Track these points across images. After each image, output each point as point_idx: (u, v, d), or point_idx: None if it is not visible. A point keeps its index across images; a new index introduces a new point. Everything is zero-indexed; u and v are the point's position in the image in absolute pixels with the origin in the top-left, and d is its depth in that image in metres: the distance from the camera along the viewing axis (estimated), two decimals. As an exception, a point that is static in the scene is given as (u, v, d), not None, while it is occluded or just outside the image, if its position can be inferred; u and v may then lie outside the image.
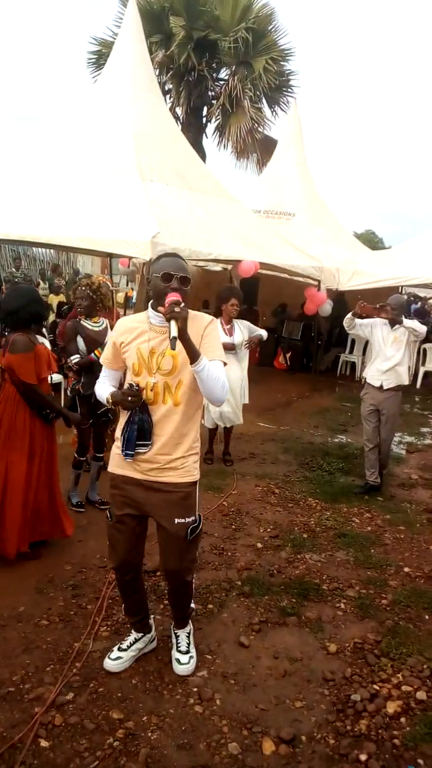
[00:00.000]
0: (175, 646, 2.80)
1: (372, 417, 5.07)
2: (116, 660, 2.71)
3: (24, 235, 6.92)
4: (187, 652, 2.77)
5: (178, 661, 2.74)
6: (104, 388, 2.59)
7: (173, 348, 2.23)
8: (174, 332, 2.21)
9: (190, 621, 2.88)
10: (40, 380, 3.45)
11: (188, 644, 2.80)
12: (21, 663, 2.71)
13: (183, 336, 2.24)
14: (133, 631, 2.82)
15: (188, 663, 2.73)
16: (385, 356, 4.94)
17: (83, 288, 4.28)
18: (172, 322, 2.21)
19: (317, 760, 2.29)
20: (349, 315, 5.04)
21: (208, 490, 4.82)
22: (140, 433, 2.45)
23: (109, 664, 2.70)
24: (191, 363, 2.33)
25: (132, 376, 2.48)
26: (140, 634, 2.81)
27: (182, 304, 2.25)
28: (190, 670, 2.72)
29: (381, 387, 4.97)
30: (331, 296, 9.59)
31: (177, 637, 2.82)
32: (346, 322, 5.13)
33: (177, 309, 2.21)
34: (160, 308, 2.31)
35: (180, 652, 2.77)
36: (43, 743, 2.27)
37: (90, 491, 4.56)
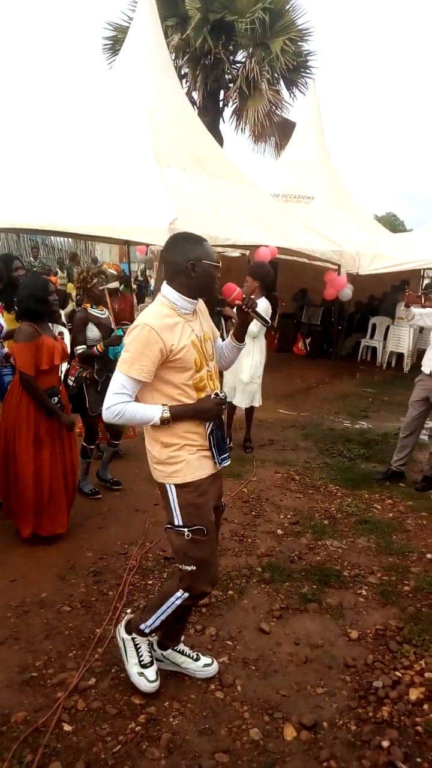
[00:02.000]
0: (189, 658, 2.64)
1: (419, 405, 4.98)
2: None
3: (42, 224, 6.94)
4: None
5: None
6: (152, 408, 2.20)
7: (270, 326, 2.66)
8: (266, 317, 2.51)
9: None
10: (39, 371, 3.44)
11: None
12: (44, 649, 2.74)
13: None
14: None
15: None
16: None
17: (104, 277, 4.35)
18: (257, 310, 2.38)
19: (339, 747, 2.28)
20: (403, 307, 5.01)
21: (228, 477, 4.81)
22: (223, 434, 2.38)
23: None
24: (241, 340, 2.47)
25: (192, 374, 2.23)
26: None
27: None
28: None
29: None
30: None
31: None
32: (403, 314, 5.08)
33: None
34: (237, 301, 2.36)
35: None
36: (66, 727, 2.30)
37: (102, 470, 4.59)
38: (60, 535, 3.72)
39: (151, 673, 2.48)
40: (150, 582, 3.32)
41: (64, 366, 4.34)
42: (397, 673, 2.69)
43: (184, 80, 14.37)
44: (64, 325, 7.20)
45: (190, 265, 2.20)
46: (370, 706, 2.50)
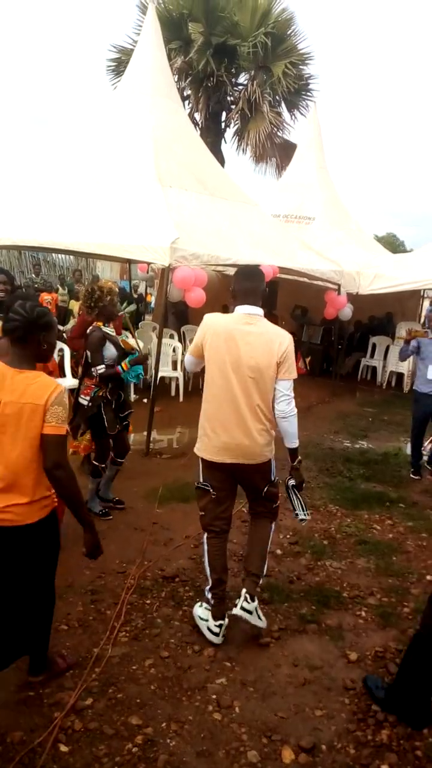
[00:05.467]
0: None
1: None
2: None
3: (43, 241, 6.99)
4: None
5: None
6: None
7: None
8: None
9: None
10: None
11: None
12: (41, 667, 2.72)
13: None
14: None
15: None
16: None
17: (108, 297, 4.26)
18: None
19: (337, 771, 2.26)
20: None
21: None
22: None
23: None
24: None
25: None
26: None
27: None
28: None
29: None
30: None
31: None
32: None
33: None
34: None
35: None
36: (63, 748, 2.27)
37: (104, 490, 4.53)
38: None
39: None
40: (148, 602, 3.30)
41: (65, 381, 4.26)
42: (397, 696, 2.67)
43: (186, 101, 14.57)
44: (64, 341, 7.24)
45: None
46: (369, 729, 2.48)
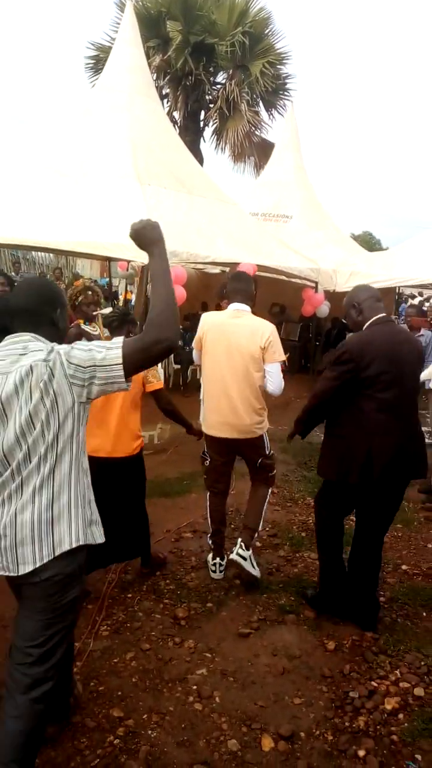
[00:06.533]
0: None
1: None
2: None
3: (22, 239, 6.93)
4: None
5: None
6: None
7: None
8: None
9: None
10: None
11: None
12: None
13: None
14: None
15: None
16: None
17: (90, 293, 4.36)
18: None
19: (316, 756, 2.31)
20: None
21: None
22: None
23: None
24: None
25: None
26: None
27: None
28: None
29: None
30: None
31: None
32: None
33: None
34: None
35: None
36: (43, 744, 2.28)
37: None
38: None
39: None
40: (129, 596, 3.33)
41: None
42: (373, 683, 2.73)
43: (165, 100, 14.58)
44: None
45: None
46: (346, 716, 2.53)
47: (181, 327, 4.63)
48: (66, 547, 1.81)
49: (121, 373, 1.75)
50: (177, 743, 2.33)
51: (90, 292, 4.41)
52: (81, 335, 4.25)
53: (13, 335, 1.89)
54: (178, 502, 4.75)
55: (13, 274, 14.53)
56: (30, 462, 1.79)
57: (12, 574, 1.81)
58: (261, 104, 14.97)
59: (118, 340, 1.79)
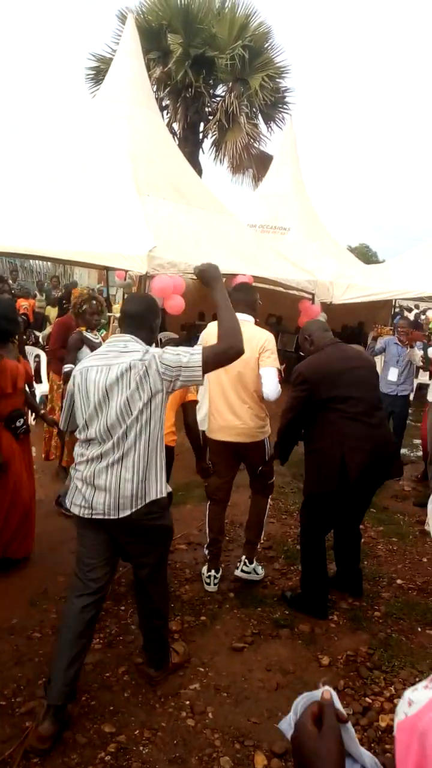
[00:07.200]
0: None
1: None
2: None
3: (21, 248, 6.94)
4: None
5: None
6: None
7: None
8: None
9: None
10: (2, 395, 3.42)
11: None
12: (13, 676, 2.70)
13: None
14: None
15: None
16: None
17: (95, 303, 4.43)
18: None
19: (309, 774, 2.28)
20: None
21: (202, 501, 4.81)
22: None
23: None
24: None
25: None
26: None
27: None
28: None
29: None
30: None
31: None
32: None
33: None
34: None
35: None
36: (34, 758, 2.25)
37: (64, 496, 4.53)
38: (30, 559, 3.68)
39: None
40: (122, 607, 3.30)
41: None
42: (368, 699, 2.71)
43: (165, 112, 14.66)
44: (42, 348, 7.20)
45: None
46: (340, 733, 2.50)
47: (176, 336, 4.68)
48: (153, 497, 2.39)
49: (200, 373, 2.29)
50: (169, 760, 2.30)
51: (95, 302, 4.46)
52: (82, 341, 4.30)
53: (116, 335, 2.48)
54: (172, 514, 4.70)
55: (10, 281, 14.54)
56: (128, 438, 2.32)
57: (112, 517, 2.35)
58: (260, 117, 15.07)
59: (198, 348, 2.34)
